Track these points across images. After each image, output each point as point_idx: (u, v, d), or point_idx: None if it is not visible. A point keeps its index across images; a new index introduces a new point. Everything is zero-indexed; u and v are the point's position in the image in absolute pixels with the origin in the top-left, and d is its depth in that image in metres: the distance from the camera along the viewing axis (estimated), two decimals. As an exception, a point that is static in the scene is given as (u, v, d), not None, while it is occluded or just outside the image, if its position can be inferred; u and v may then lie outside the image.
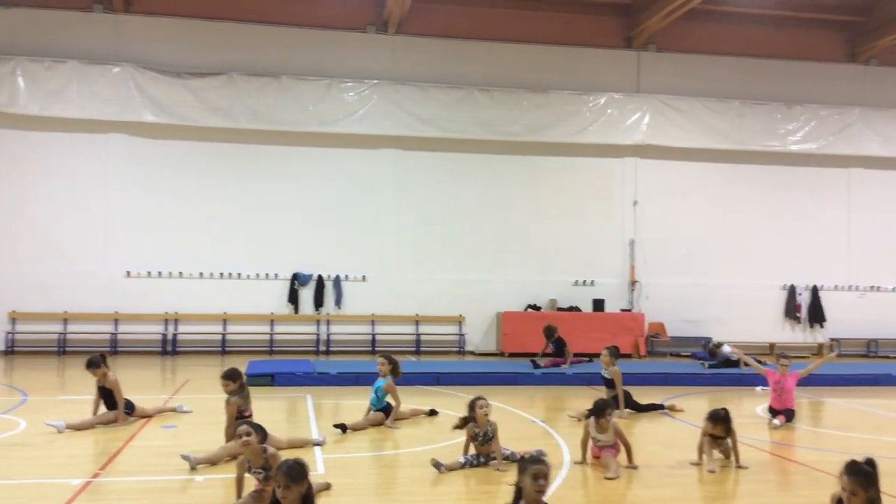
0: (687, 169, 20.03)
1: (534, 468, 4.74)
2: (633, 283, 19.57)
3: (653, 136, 19.51)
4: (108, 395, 9.23)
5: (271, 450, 5.90)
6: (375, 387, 9.57)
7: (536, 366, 14.42)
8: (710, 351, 15.44)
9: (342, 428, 8.92)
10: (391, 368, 9.60)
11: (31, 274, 17.10)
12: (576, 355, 15.08)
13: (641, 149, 19.67)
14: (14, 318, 17.08)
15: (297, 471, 4.61)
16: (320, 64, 18.36)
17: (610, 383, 10.34)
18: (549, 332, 14.97)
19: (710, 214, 20.03)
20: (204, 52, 17.91)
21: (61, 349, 17.05)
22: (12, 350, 16.90)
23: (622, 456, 7.46)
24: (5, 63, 16.83)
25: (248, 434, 5.79)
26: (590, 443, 7.60)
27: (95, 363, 9.18)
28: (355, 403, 10.70)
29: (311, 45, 18.42)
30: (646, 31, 19.22)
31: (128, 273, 17.57)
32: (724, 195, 20.10)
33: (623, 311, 19.21)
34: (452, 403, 11.06)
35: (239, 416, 7.74)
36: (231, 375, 8.23)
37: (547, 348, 15.01)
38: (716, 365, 14.84)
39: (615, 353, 10.38)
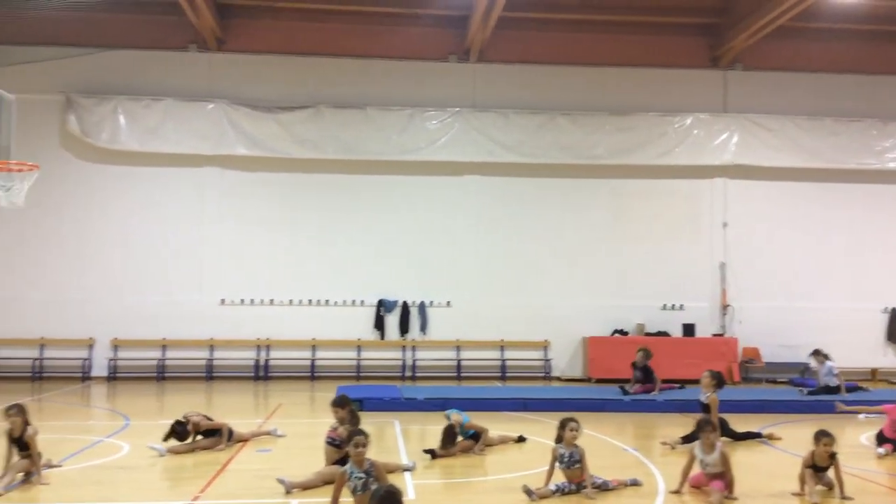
0: (778, 189, 19.43)
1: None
2: (725, 306, 19.04)
3: (742, 156, 19.04)
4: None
5: (373, 459, 6.24)
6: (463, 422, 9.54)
7: (625, 392, 14.14)
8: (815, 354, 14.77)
9: (432, 454, 8.96)
10: (460, 417, 9.52)
11: (131, 303, 17.85)
12: (665, 381, 14.71)
13: (730, 169, 19.22)
14: (116, 346, 17.84)
15: (391, 499, 4.65)
16: (403, 94, 18.70)
17: (707, 409, 10.01)
18: (646, 356, 14.54)
19: (805, 234, 19.35)
20: (292, 86, 18.49)
21: (160, 375, 17.70)
22: (114, 376, 17.64)
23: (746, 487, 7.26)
24: (107, 102, 17.75)
25: (365, 445, 6.22)
26: (693, 471, 7.40)
27: None
28: (442, 428, 10.72)
29: (394, 76, 18.79)
30: (732, 50, 18.85)
31: (222, 301, 18.16)
32: (818, 214, 19.40)
33: (715, 335, 18.69)
34: (540, 430, 10.96)
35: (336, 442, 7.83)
36: (340, 402, 8.26)
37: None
38: (815, 392, 14.26)
39: (718, 378, 10.00)
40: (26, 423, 7.61)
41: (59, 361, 17.56)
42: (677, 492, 7.32)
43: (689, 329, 18.49)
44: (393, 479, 7.67)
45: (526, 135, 18.60)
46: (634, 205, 19.14)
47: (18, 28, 17.59)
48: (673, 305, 18.99)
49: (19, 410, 7.60)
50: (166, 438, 8.94)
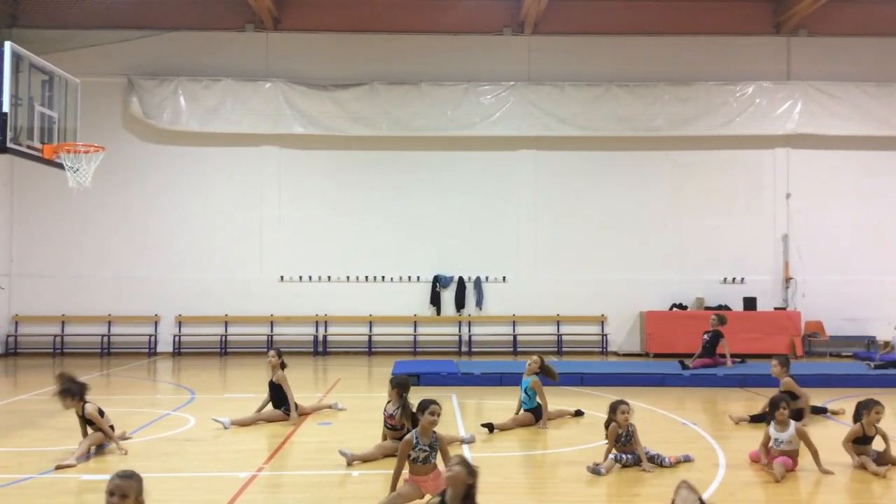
0: (844, 158, 18.84)
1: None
2: (788, 279, 18.62)
3: (806, 125, 18.49)
4: (276, 393, 9.73)
5: (439, 433, 6.26)
6: (524, 386, 9.61)
7: (685, 367, 13.97)
8: None
9: (489, 427, 9.02)
10: (539, 367, 9.59)
11: (194, 281, 18.31)
12: (722, 356, 14.41)
13: (793, 139, 18.70)
14: (180, 322, 18.34)
15: (471, 467, 4.77)
16: (457, 69, 18.62)
17: (793, 395, 9.43)
18: (719, 321, 14.23)
19: (871, 205, 18.73)
20: (347, 64, 18.58)
21: (223, 350, 18.15)
22: (179, 351, 18.16)
23: (806, 461, 7.17)
24: (168, 84, 18.11)
25: (438, 415, 6.25)
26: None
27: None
28: (499, 403, 10.79)
29: (448, 51, 18.72)
30: (796, 16, 18.24)
31: (281, 278, 18.48)
32: (885, 184, 18.74)
33: (777, 309, 18.31)
34: (597, 404, 10.93)
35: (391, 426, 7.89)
36: (397, 385, 8.07)
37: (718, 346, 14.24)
38: (883, 366, 13.88)
39: (785, 362, 9.64)
40: (83, 402, 7.85)
41: (126, 337, 18.15)
42: (767, 465, 7.21)
43: (750, 303, 18.14)
44: (453, 451, 7.77)
45: (582, 107, 18.37)
46: (694, 176, 18.79)
47: (82, 12, 18.00)
48: (734, 279, 18.65)
49: (67, 393, 7.81)
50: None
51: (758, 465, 7.31)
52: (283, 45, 18.59)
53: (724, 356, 14.10)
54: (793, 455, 7.21)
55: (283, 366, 9.84)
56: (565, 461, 7.81)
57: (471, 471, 4.76)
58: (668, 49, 18.77)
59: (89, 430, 7.92)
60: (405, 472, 6.24)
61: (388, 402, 7.94)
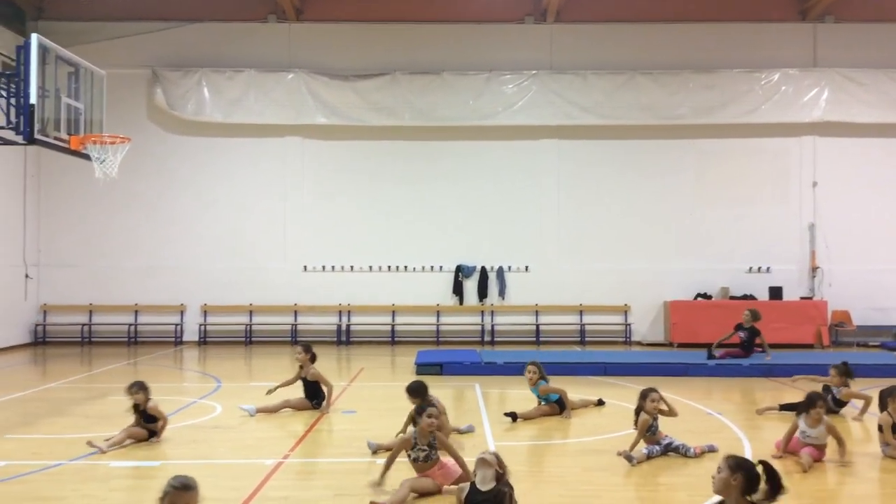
0: (871, 146, 18.56)
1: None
2: (814, 269, 18.43)
3: (832, 113, 18.24)
4: (311, 388, 9.76)
5: (438, 433, 6.32)
6: (535, 394, 9.54)
7: (711, 356, 13.86)
8: None
9: (513, 416, 9.03)
10: (539, 374, 9.48)
11: (219, 271, 18.46)
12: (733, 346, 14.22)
13: (820, 126, 18.45)
14: (206, 311, 18.51)
15: (421, 387, 4.91)
16: (479, 58, 18.56)
17: (839, 403, 9.36)
18: (753, 317, 13.96)
19: (899, 194, 18.49)
20: (369, 54, 18.58)
21: (248, 339, 18.30)
22: (205, 340, 18.33)
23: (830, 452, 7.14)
24: (192, 75, 18.22)
25: (437, 417, 6.28)
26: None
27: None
28: (522, 393, 10.78)
29: (470, 40, 18.66)
30: (822, 2, 17.97)
31: (305, 268, 18.58)
32: (914, 173, 18.49)
33: (803, 298, 18.14)
34: (621, 394, 10.92)
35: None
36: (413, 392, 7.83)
37: (733, 337, 14.08)
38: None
39: (844, 371, 9.32)
40: (147, 398, 8.02)
41: (152, 327, 18.35)
42: (780, 457, 7.18)
43: (776, 292, 17.98)
44: (474, 441, 7.82)
45: (605, 96, 18.25)
46: (719, 165, 18.63)
47: (107, 5, 18.16)
48: (759, 268, 18.49)
49: (140, 387, 8.02)
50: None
51: (784, 454, 7.27)
52: (306, 36, 18.62)
53: (762, 349, 13.87)
54: (821, 447, 7.16)
55: (313, 359, 9.80)
56: (589, 450, 7.81)
57: (500, 461, 4.84)
58: (692, 36, 18.58)
59: (133, 425, 8.02)
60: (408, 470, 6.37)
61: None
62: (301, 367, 9.80)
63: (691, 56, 18.47)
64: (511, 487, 5.17)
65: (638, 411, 7.45)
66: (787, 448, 7.33)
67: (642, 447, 7.31)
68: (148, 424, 8.02)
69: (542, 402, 9.46)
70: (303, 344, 10.06)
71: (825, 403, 7.37)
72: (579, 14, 18.52)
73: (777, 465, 6.98)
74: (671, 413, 7.60)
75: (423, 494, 6.11)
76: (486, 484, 4.82)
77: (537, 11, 18.60)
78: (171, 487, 4.27)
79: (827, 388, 9.38)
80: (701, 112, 18.28)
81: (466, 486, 4.86)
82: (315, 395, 9.74)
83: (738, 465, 4.42)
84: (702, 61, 18.41)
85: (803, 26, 18.64)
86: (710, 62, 18.40)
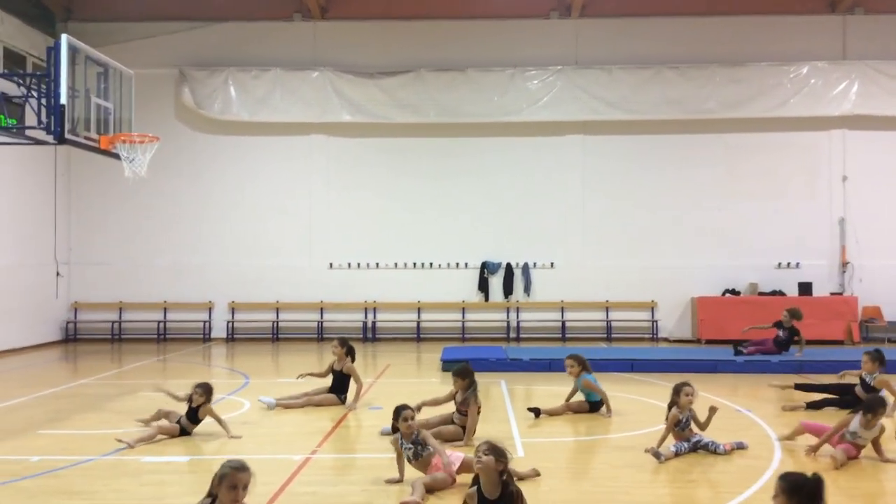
0: (903, 139, 18.30)
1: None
2: (845, 264, 18.18)
3: (863, 106, 17.97)
4: (339, 380, 9.85)
5: (422, 430, 6.53)
6: (578, 388, 9.48)
7: (738, 352, 13.74)
8: None
9: (536, 412, 8.98)
10: (581, 366, 9.46)
11: (246, 268, 18.61)
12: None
13: (850, 120, 18.20)
14: (233, 308, 18.67)
15: (500, 449, 4.75)
16: (504, 54, 18.51)
17: (872, 389, 9.14)
18: (792, 315, 13.73)
19: (933, 188, 18.18)
20: (393, 51, 18.61)
21: (275, 336, 18.44)
22: (232, 337, 18.49)
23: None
24: (218, 74, 18.37)
25: (413, 419, 6.51)
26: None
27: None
28: (548, 389, 10.79)
29: (495, 36, 18.62)
30: (853, -7, 17.75)
31: (330, 265, 18.67)
32: (948, 166, 18.17)
33: (833, 294, 17.91)
34: (648, 390, 10.87)
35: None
36: (459, 373, 8.04)
37: (769, 331, 13.89)
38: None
39: (877, 357, 9.21)
40: (207, 402, 8.12)
41: (181, 324, 18.54)
42: (814, 450, 7.11)
43: (805, 288, 17.78)
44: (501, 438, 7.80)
45: (631, 90, 18.13)
46: (747, 159, 18.43)
47: (134, 5, 18.37)
48: (788, 264, 18.28)
49: (205, 391, 8.14)
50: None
51: (814, 446, 7.19)
52: (330, 34, 18.69)
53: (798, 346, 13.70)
54: (860, 447, 7.06)
55: (349, 353, 9.88)
56: (616, 446, 7.78)
57: (499, 455, 4.72)
58: (719, 29, 18.39)
59: (168, 421, 8.16)
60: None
61: (456, 391, 7.96)
62: (337, 359, 9.89)
63: (719, 49, 18.29)
64: (515, 482, 5.01)
65: (671, 406, 7.39)
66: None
67: (671, 444, 7.25)
68: (190, 423, 8.11)
69: (584, 397, 9.37)
70: (340, 338, 10.14)
71: (884, 410, 7.23)
72: (605, 8, 18.41)
73: (808, 460, 6.95)
74: (702, 426, 7.46)
75: (441, 489, 6.15)
76: (491, 490, 4.70)
77: (562, 6, 18.52)
78: (229, 468, 4.41)
79: (861, 379, 9.31)
80: (729, 106, 18.10)
81: (474, 493, 4.76)
82: (342, 389, 9.82)
83: (796, 488, 4.08)
84: (729, 55, 18.22)
85: (832, 18, 18.38)
86: (738, 55, 18.20)
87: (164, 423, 8.09)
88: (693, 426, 7.42)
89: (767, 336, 13.83)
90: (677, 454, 7.13)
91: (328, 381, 9.99)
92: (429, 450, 6.40)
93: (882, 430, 7.05)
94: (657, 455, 6.98)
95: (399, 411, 6.50)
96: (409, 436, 6.41)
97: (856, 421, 7.07)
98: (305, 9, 18.46)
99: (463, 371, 8.00)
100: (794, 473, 4.21)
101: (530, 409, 9.08)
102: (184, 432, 8.11)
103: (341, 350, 9.86)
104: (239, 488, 4.36)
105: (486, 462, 4.68)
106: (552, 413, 9.12)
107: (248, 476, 4.42)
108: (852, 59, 18.11)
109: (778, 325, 13.80)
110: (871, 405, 7.09)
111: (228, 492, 4.35)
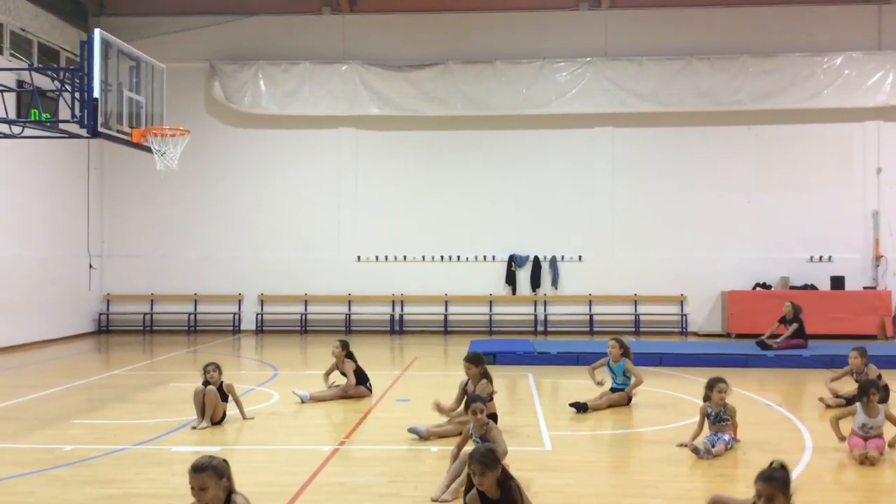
0: (940, 130, 17.94)
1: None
2: (878, 258, 17.90)
3: (898, 97, 17.67)
4: (360, 374, 9.96)
5: (490, 423, 6.34)
6: (618, 370, 9.41)
7: (765, 347, 13.60)
8: None
9: (581, 408, 8.90)
10: (622, 349, 9.43)
11: (275, 261, 18.76)
12: (811, 337, 14.04)
13: (885, 111, 17.86)
14: (262, 301, 18.83)
15: (490, 457, 4.70)
16: (532, 46, 18.42)
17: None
18: (796, 311, 13.89)
19: (971, 180, 17.81)
20: (421, 44, 18.60)
21: (303, 328, 18.57)
22: (261, 329, 18.66)
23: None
24: (248, 68, 18.50)
25: (482, 412, 6.28)
26: (849, 434, 7.10)
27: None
28: (576, 382, 10.75)
29: (523, 28, 18.53)
30: (888, -19, 17.41)
31: (358, 258, 18.75)
32: None
33: (866, 288, 17.64)
34: (676, 384, 10.80)
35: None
36: (474, 360, 8.08)
37: (778, 329, 14.05)
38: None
39: (864, 353, 9.19)
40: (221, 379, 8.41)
41: (211, 316, 18.74)
42: (843, 439, 7.02)
43: (837, 282, 17.53)
44: (527, 431, 7.82)
45: (661, 82, 17.96)
46: (779, 151, 18.19)
47: (167, 0, 18.55)
48: (820, 257, 18.03)
49: (216, 367, 8.41)
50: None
51: (843, 445, 7.09)
52: (359, 27, 18.73)
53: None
54: (882, 437, 6.97)
55: (349, 356, 9.95)
56: (644, 440, 7.74)
57: (492, 465, 4.64)
58: (750, 20, 18.15)
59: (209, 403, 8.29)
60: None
61: (468, 380, 7.97)
62: (337, 361, 9.97)
63: (750, 40, 18.05)
64: (513, 478, 4.96)
65: (705, 401, 7.34)
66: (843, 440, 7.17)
67: (704, 436, 7.18)
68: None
69: (619, 380, 9.32)
70: (341, 340, 10.12)
71: (878, 391, 7.18)
72: None
73: (840, 456, 6.86)
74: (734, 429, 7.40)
75: None
76: (493, 491, 4.69)
77: (591, -2, 18.39)
78: (190, 468, 4.36)
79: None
80: (760, 97, 17.87)
81: (476, 496, 4.74)
82: (364, 379, 9.97)
83: (787, 482, 4.36)
84: (761, 45, 17.98)
85: (867, 8, 18.05)
86: (770, 46, 17.95)
87: (218, 403, 8.25)
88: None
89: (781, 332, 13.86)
90: (713, 447, 6.99)
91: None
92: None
93: (891, 416, 6.97)
94: (696, 451, 6.90)
95: (470, 402, 6.45)
96: (479, 429, 6.30)
97: (859, 415, 6.98)
98: (334, 2, 18.52)
99: (475, 358, 7.98)
100: (772, 470, 4.41)
101: (574, 405, 8.95)
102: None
103: (341, 352, 9.93)
104: (195, 489, 4.28)
105: (488, 478, 4.64)
106: (595, 408, 9.00)
107: (196, 479, 4.28)
108: (888, 49, 17.79)
109: (783, 319, 13.82)
110: (863, 389, 7.08)
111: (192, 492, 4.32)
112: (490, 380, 7.84)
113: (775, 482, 4.31)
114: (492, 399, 7.69)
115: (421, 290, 18.58)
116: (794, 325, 13.79)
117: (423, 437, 7.48)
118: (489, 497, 4.67)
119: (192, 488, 4.29)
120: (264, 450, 7.36)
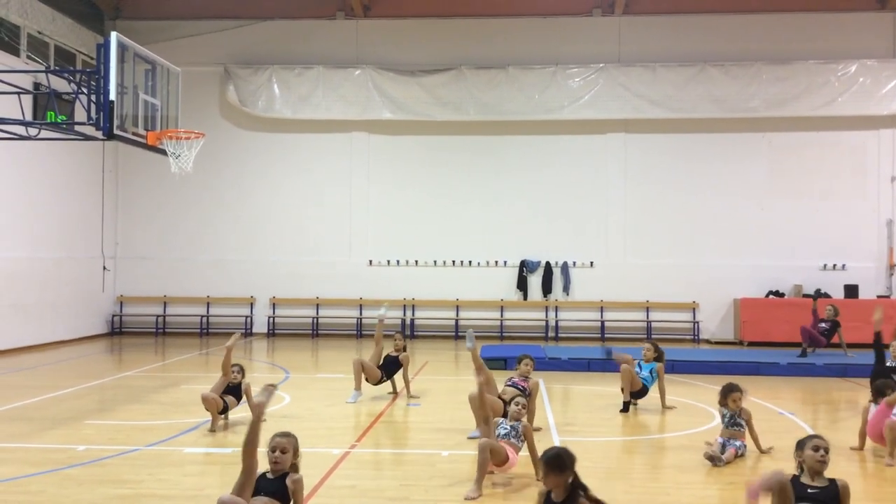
0: (956, 139, 17.83)
1: (814, 441, 4.85)
2: (893, 266, 17.78)
3: (914, 105, 17.57)
4: (391, 366, 10.31)
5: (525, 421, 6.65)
6: (647, 370, 9.48)
7: (804, 353, 13.69)
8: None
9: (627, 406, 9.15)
10: (655, 356, 9.52)
11: (287, 264, 18.81)
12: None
13: (900, 119, 17.81)
14: (274, 304, 18.89)
15: (555, 461, 4.62)
16: (545, 51, 18.43)
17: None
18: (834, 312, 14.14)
19: None
20: (434, 49, 18.65)
21: (314, 332, 18.61)
22: (273, 332, 18.71)
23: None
24: (262, 72, 18.59)
25: (525, 406, 6.76)
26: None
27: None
28: (587, 389, 10.74)
29: (536, 34, 18.55)
30: (904, -12, 17.33)
31: (370, 262, 18.78)
32: None
33: (880, 297, 17.52)
34: (688, 391, 10.76)
35: None
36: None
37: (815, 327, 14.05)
38: None
39: None
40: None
41: (223, 318, 18.80)
42: (859, 449, 7.00)
43: (851, 290, 17.42)
44: (539, 437, 7.79)
45: (675, 89, 17.93)
46: (792, 159, 18.12)
47: (181, 4, 18.68)
48: (834, 265, 17.93)
49: (241, 370, 8.68)
50: None
51: (854, 454, 7.06)
52: (373, 32, 18.80)
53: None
54: None
55: (405, 347, 10.45)
56: (655, 446, 7.72)
57: (562, 468, 4.61)
58: (764, 27, 18.10)
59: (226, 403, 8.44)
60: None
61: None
62: (395, 349, 10.32)
63: (764, 47, 18.00)
64: (585, 488, 4.89)
65: (721, 405, 7.34)
66: (868, 436, 7.15)
67: (718, 440, 7.16)
68: (235, 400, 8.50)
69: (643, 374, 9.40)
70: (399, 332, 10.95)
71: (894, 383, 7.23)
72: (648, 6, 18.23)
73: (852, 464, 6.82)
74: (755, 441, 7.39)
75: (494, 457, 6.14)
76: (558, 493, 4.65)
77: (605, 4, 18.38)
78: (274, 435, 5.08)
79: None
80: (774, 104, 17.81)
81: (544, 492, 4.69)
82: (391, 374, 10.24)
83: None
84: (775, 52, 17.92)
85: (882, 15, 17.97)
86: (784, 53, 17.90)
87: (207, 393, 8.28)
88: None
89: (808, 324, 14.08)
90: (723, 452, 6.97)
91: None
92: (521, 443, 6.45)
93: None
94: (710, 458, 6.85)
95: (516, 395, 6.87)
96: (515, 418, 6.57)
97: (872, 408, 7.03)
98: (348, 7, 18.59)
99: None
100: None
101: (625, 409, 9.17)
102: (224, 409, 8.39)
103: (402, 342, 10.46)
104: (277, 450, 4.98)
105: (552, 481, 4.58)
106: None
107: (287, 441, 5.03)
108: (903, 56, 17.71)
109: (822, 320, 14.07)
110: (877, 391, 7.21)
111: (269, 454, 5.03)
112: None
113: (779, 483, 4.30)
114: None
115: (432, 295, 18.59)
116: (826, 325, 14.00)
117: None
118: (554, 500, 4.62)
119: (274, 449, 4.96)
120: (275, 452, 7.37)
